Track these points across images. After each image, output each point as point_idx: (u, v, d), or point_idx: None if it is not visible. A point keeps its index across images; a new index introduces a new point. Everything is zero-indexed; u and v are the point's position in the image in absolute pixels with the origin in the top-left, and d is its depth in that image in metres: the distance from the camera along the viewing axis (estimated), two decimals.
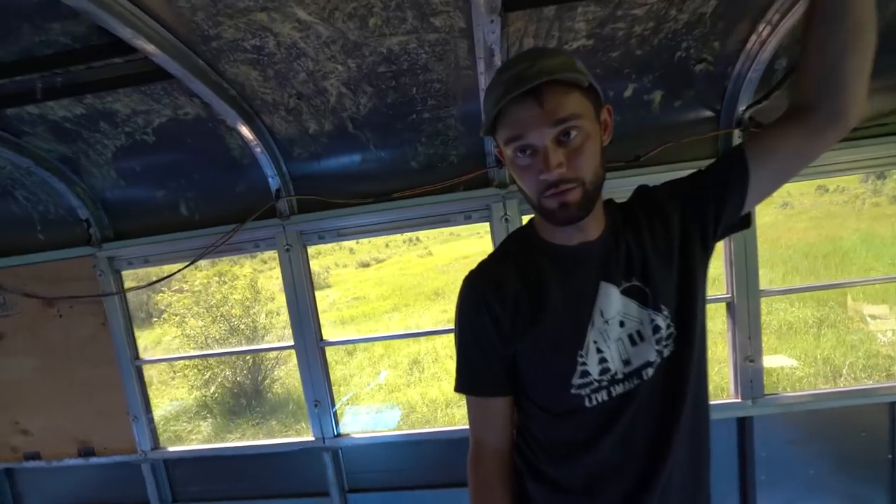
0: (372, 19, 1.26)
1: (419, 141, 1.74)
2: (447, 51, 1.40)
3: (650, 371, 0.89)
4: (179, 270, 1.88)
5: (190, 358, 6.73)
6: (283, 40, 1.32)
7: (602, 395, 0.88)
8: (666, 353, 0.89)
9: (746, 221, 0.96)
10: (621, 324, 0.89)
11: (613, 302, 0.89)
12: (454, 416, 6.73)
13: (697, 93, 1.62)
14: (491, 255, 0.99)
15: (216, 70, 1.42)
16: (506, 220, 1.75)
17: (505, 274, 0.91)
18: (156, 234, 1.91)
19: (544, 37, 1.38)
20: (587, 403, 0.88)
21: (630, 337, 0.89)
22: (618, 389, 0.88)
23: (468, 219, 1.81)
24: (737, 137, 1.65)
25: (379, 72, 1.46)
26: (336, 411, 1.97)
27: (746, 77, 1.51)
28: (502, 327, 0.89)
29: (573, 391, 0.87)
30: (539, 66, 0.74)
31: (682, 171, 1.61)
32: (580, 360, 0.87)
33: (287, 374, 7.98)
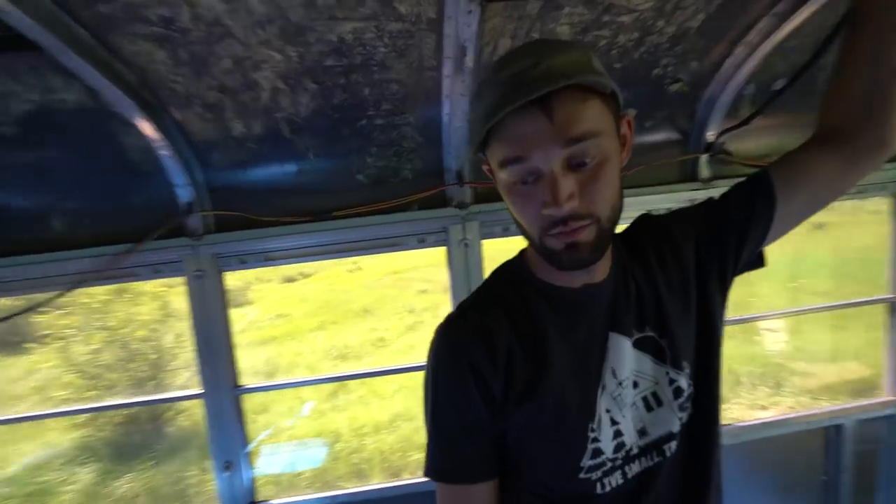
0: None
1: (369, 151, 1.48)
2: (410, 46, 1.18)
3: (673, 445, 0.72)
4: (45, 302, 1.43)
5: (52, 416, 5.84)
6: (203, 14, 1.01)
7: (616, 478, 0.70)
8: (685, 418, 0.73)
9: (762, 259, 0.84)
10: (634, 384, 0.72)
11: (626, 358, 0.72)
12: (384, 442, 6.35)
13: (668, 114, 1.55)
14: (474, 299, 0.78)
15: (106, 45, 1.06)
16: (465, 244, 1.55)
17: (494, 325, 0.71)
18: (16, 255, 1.44)
19: (523, 38, 1.21)
20: (599, 490, 0.70)
21: (645, 400, 0.73)
22: (634, 469, 0.71)
23: (422, 242, 1.58)
24: (704, 163, 1.61)
25: (326, 65, 1.19)
26: (254, 476, 1.61)
27: (717, 101, 1.47)
28: (493, 397, 0.68)
29: (582, 475, 0.68)
30: (547, 65, 0.56)
31: (652, 196, 1.55)
32: (591, 434, 0.69)
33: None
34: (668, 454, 0.72)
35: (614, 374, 0.71)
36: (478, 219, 1.55)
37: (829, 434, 1.78)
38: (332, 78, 1.24)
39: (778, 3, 1.18)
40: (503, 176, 0.64)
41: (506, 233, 1.60)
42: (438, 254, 1.59)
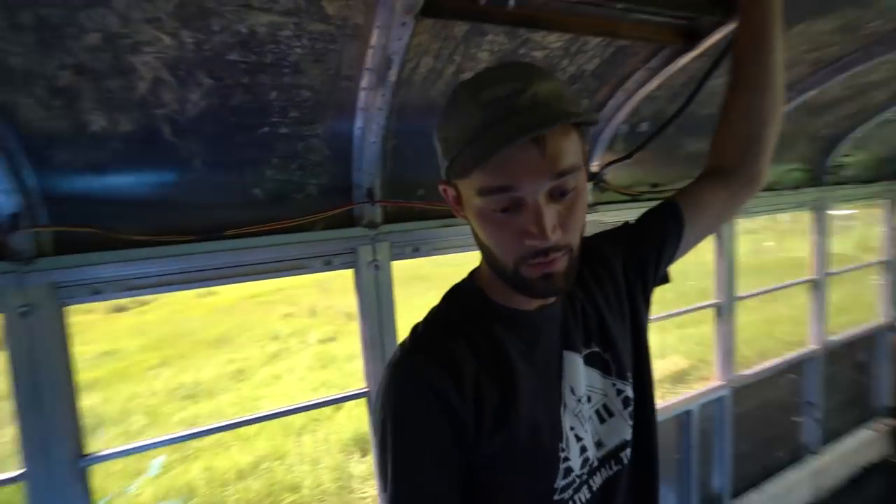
0: None
1: (269, 163, 1.31)
2: (330, 51, 1.08)
3: (628, 452, 0.77)
4: None
5: None
6: None
7: (584, 494, 0.72)
8: (634, 425, 0.79)
9: (668, 277, 0.96)
10: (588, 399, 0.75)
11: (580, 374, 0.75)
12: (250, 489, 5.61)
13: None
14: (431, 327, 0.73)
15: None
16: (375, 266, 1.47)
17: (458, 353, 0.67)
18: None
19: (445, 59, 1.21)
20: None
21: (598, 413, 0.76)
22: (597, 481, 0.73)
23: (328, 265, 1.45)
24: (589, 190, 1.81)
25: (228, 59, 1.02)
26: None
27: (600, 137, 1.67)
28: (464, 429, 0.65)
29: (556, 497, 0.68)
30: (533, 93, 0.56)
31: None
32: (562, 454, 0.69)
33: None
34: (625, 461, 0.76)
35: (573, 392, 0.73)
36: (388, 239, 1.49)
37: (682, 419, 2.13)
38: (235, 75, 1.07)
39: (651, 58, 1.40)
40: (480, 203, 0.61)
41: (416, 253, 1.57)
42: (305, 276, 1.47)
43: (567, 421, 0.71)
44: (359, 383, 1.56)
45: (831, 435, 2.93)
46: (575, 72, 1.41)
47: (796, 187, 2.51)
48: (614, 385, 0.77)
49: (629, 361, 0.80)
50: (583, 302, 0.79)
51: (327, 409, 6.25)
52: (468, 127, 0.58)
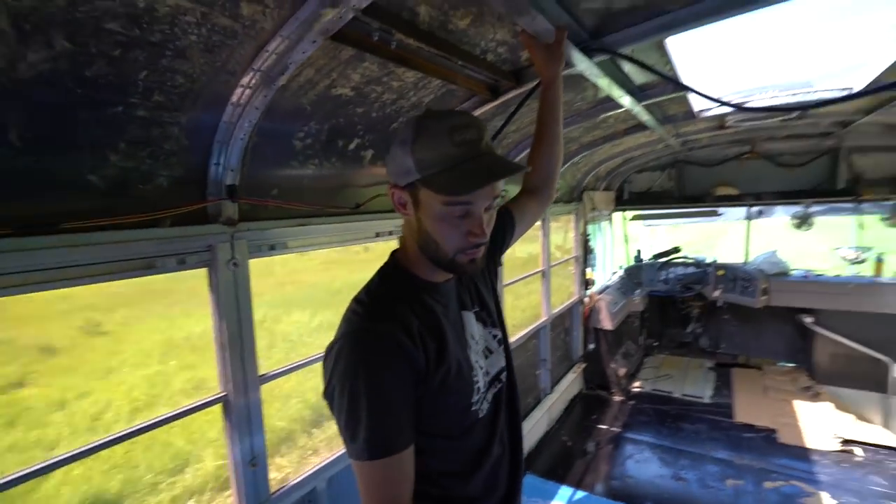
0: None
1: (115, 147, 1.16)
2: (225, 45, 1.10)
3: (503, 375, 1.13)
4: None
5: None
6: None
7: (485, 405, 1.04)
8: (503, 360, 1.16)
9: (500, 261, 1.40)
10: (478, 342, 1.09)
11: (473, 325, 1.07)
12: None
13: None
14: (379, 299, 0.93)
15: None
16: (234, 264, 1.45)
17: (405, 315, 0.90)
18: None
19: (324, 74, 1.36)
20: (480, 415, 1.01)
21: (484, 352, 1.09)
22: (490, 395, 1.06)
23: (182, 264, 1.35)
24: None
25: (104, 27, 0.92)
26: None
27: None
28: (418, 369, 0.88)
29: (473, 408, 0.99)
30: (486, 141, 0.86)
31: (387, 220, 1.98)
32: (474, 379, 0.99)
33: None
34: (503, 380, 1.11)
35: (472, 337, 1.04)
36: (246, 237, 1.48)
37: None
38: (103, 46, 0.95)
39: (466, 101, 1.88)
40: (444, 209, 0.84)
41: (272, 251, 1.60)
42: None
43: (472, 356, 1.01)
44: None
45: (555, 380, 4.19)
46: (416, 101, 1.75)
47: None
48: (490, 332, 1.12)
49: (495, 314, 1.17)
50: (466, 277, 1.12)
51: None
52: (448, 157, 0.82)
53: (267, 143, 1.48)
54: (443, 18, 1.26)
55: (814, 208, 4.59)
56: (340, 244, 1.87)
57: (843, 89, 2.36)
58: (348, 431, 0.81)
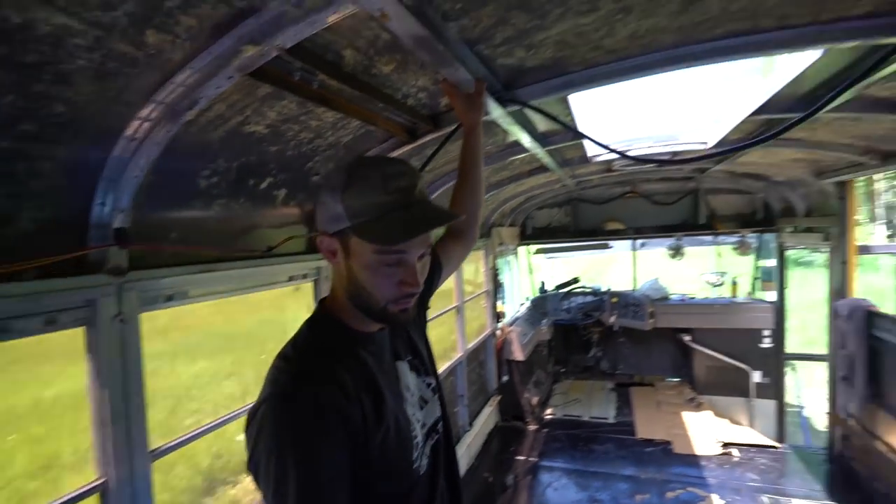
0: None
1: None
2: (122, 73, 0.97)
3: (440, 425, 1.08)
4: None
5: None
6: None
7: (424, 460, 0.99)
8: (439, 409, 1.13)
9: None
10: (413, 394, 1.04)
11: (408, 376, 1.03)
12: None
13: (306, 197, 1.94)
14: (307, 354, 0.87)
15: None
16: (121, 320, 1.24)
17: (339, 372, 0.83)
18: None
19: (237, 110, 1.27)
20: (421, 472, 0.96)
21: (420, 402, 1.04)
22: (427, 449, 1.00)
23: (51, 324, 1.12)
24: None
25: None
26: None
27: None
28: (355, 431, 0.81)
29: (414, 465, 0.93)
30: (420, 189, 0.86)
31: (301, 263, 1.87)
32: (413, 433, 0.95)
33: None
34: (440, 430, 1.06)
35: (408, 388, 1.00)
36: (137, 288, 1.29)
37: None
38: None
39: (384, 142, 1.89)
40: (375, 258, 0.82)
41: (170, 303, 1.42)
42: None
43: (409, 409, 0.96)
44: None
45: (473, 415, 4.18)
46: (333, 141, 1.71)
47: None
48: (424, 380, 1.08)
49: (428, 361, 1.14)
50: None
51: None
52: (380, 205, 0.80)
53: (165, 182, 1.33)
54: (367, 63, 1.26)
55: (683, 240, 5.35)
56: (251, 290, 1.71)
57: (700, 142, 2.84)
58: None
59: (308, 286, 2.08)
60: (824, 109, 1.36)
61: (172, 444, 1.37)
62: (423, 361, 1.08)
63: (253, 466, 0.73)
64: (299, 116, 1.45)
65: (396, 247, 0.81)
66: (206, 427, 1.50)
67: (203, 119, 1.24)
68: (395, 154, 1.94)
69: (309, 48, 1.12)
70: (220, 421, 1.55)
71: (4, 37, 0.80)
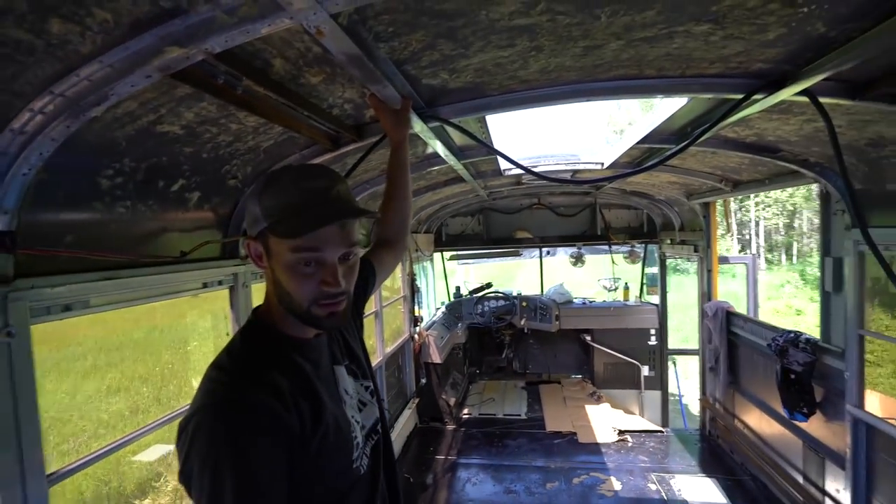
0: None
1: None
2: (15, 62, 0.89)
3: (379, 426, 1.11)
4: None
5: None
6: None
7: (364, 460, 1.01)
8: (377, 411, 1.15)
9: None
10: (352, 397, 1.06)
11: (346, 380, 1.05)
12: None
13: (222, 201, 1.85)
14: (242, 362, 0.86)
15: None
16: (8, 333, 1.11)
17: (274, 378, 0.84)
18: None
19: (150, 109, 1.21)
20: (361, 472, 0.99)
21: (358, 405, 1.07)
22: (367, 449, 1.03)
23: None
24: (241, 244, 2.01)
25: None
26: None
27: None
28: (293, 436, 0.82)
29: (354, 466, 0.96)
30: (337, 190, 0.88)
31: (216, 269, 1.79)
32: (353, 435, 0.97)
33: None
34: (379, 431, 1.09)
35: (346, 392, 1.03)
36: (27, 297, 1.16)
37: None
38: None
39: (306, 149, 1.87)
40: (292, 258, 0.82)
41: (67, 313, 1.29)
42: None
43: (349, 412, 0.98)
44: None
45: (393, 418, 4.20)
46: (254, 145, 1.67)
47: (366, 246, 3.66)
48: (362, 384, 1.10)
49: (365, 365, 1.17)
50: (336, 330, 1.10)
51: None
52: (291, 204, 0.81)
53: (59, 181, 1.21)
54: (296, 73, 1.27)
55: (583, 249, 5.89)
56: (162, 297, 1.60)
57: (598, 163, 3.19)
58: None
59: (219, 293, 1.98)
60: (693, 144, 1.65)
61: (73, 466, 1.24)
62: (360, 365, 1.10)
63: (184, 478, 0.72)
64: (219, 119, 1.40)
65: (310, 243, 0.81)
66: (112, 445, 1.38)
67: (109, 116, 1.16)
68: (316, 160, 1.93)
69: (237, 53, 1.11)
70: (127, 438, 1.42)
71: None
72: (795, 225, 24.08)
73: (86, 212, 1.34)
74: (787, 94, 1.44)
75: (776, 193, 22.55)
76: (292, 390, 0.83)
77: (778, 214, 23.74)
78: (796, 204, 22.91)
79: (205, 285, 1.80)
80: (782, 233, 24.49)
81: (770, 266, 23.59)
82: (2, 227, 1.09)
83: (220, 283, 1.85)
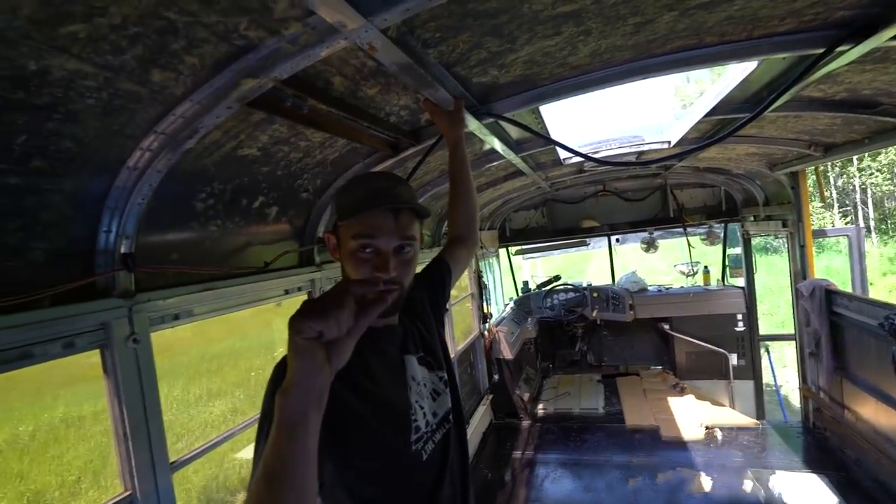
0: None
1: None
2: (126, 109, 1.05)
3: (451, 416, 1.16)
4: None
5: None
6: None
7: (430, 445, 1.07)
8: (450, 401, 1.21)
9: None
10: (424, 385, 1.13)
11: (417, 369, 1.12)
12: None
13: (296, 213, 2.01)
14: None
15: None
16: (135, 340, 1.31)
17: None
18: None
19: (231, 136, 1.35)
20: (424, 456, 1.03)
21: (431, 394, 1.13)
22: (437, 437, 1.09)
23: (70, 348, 1.19)
24: (317, 252, 2.16)
25: None
26: None
27: (326, 208, 2.09)
28: (338, 402, 0.88)
29: (413, 447, 1.01)
30: (398, 191, 0.97)
31: (295, 276, 1.95)
32: (413, 418, 1.03)
33: None
34: (451, 421, 1.15)
35: (413, 379, 1.09)
36: (146, 309, 1.35)
37: None
38: None
39: (367, 158, 1.98)
40: (352, 244, 0.93)
41: (177, 321, 1.48)
42: None
43: (412, 397, 1.05)
44: None
45: (468, 415, 4.27)
46: (321, 159, 1.80)
47: (432, 246, 3.75)
48: (437, 374, 1.17)
49: (440, 359, 1.23)
50: (414, 323, 1.17)
51: None
52: (357, 199, 0.92)
53: (164, 207, 1.40)
54: (354, 87, 1.36)
55: (655, 234, 5.57)
56: (250, 305, 1.78)
57: (664, 142, 3.02)
58: (254, 452, 0.82)
59: (298, 300, 2.15)
60: (768, 110, 1.52)
61: (189, 455, 1.43)
62: (436, 358, 1.17)
63: None
64: (289, 138, 1.53)
65: (366, 230, 0.91)
66: (223, 436, 1.57)
67: (199, 146, 1.32)
68: (378, 167, 2.04)
69: (301, 77, 1.22)
70: (236, 429, 1.61)
71: (21, 83, 0.87)
72: None
73: (185, 232, 1.53)
74: (879, 40, 1.29)
75: (886, 155, 19.74)
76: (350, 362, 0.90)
77: (889, 179, 20.73)
78: None
79: (286, 292, 1.97)
80: None
81: (883, 238, 20.67)
82: (125, 249, 1.28)
83: (299, 289, 2.01)
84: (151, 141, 1.16)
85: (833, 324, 3.49)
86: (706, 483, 3.39)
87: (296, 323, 0.64)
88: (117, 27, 0.83)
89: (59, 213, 1.14)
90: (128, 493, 1.24)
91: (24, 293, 1.08)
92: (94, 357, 1.27)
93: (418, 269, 1.21)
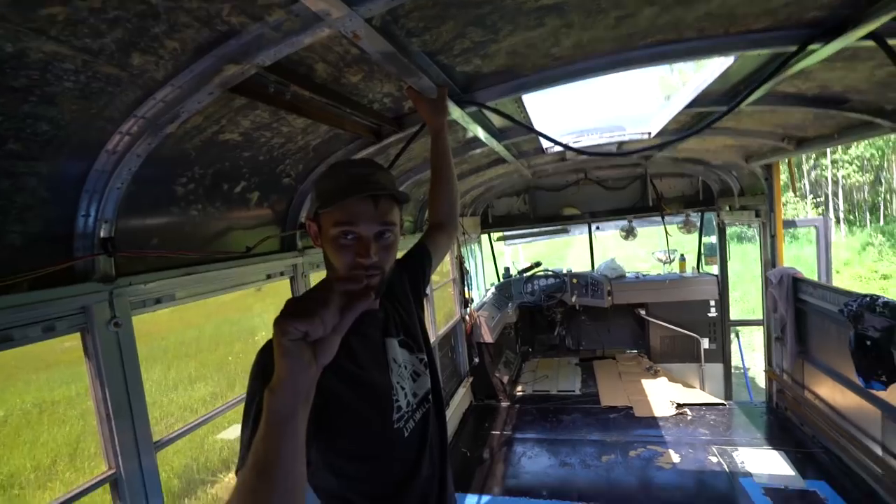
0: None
1: None
2: (105, 92, 1.04)
3: (430, 396, 1.22)
4: None
5: None
6: None
7: (411, 424, 1.12)
8: (429, 382, 1.26)
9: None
10: (404, 367, 1.17)
11: (398, 351, 1.16)
12: None
13: (278, 198, 2.01)
14: None
15: None
16: (116, 323, 1.31)
17: None
18: None
19: (213, 121, 1.34)
20: (405, 434, 1.08)
21: (412, 375, 1.17)
22: (417, 417, 1.14)
23: (50, 331, 1.18)
24: (299, 237, 2.17)
25: None
26: None
27: (308, 194, 2.08)
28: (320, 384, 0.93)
29: (395, 425, 1.06)
30: (378, 177, 0.99)
31: (277, 261, 1.95)
32: (394, 398, 1.08)
33: None
34: (430, 401, 1.20)
35: (395, 361, 1.13)
36: (126, 293, 1.35)
37: None
38: None
39: (350, 143, 1.97)
40: (334, 231, 0.94)
41: (158, 305, 1.48)
42: None
43: (394, 378, 1.09)
44: None
45: (448, 397, 4.36)
46: (303, 144, 1.79)
47: (413, 232, 3.76)
48: (417, 356, 1.21)
49: (420, 342, 1.27)
50: (395, 306, 1.21)
51: None
52: (337, 186, 0.94)
53: (144, 191, 1.38)
54: (337, 74, 1.36)
55: (634, 222, 5.69)
56: (233, 289, 1.78)
57: (644, 133, 3.07)
58: (240, 440, 0.85)
59: (280, 284, 2.16)
60: (744, 103, 1.57)
61: (174, 435, 1.45)
62: (416, 340, 1.21)
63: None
64: (271, 124, 1.52)
65: (346, 217, 0.92)
66: (205, 417, 1.59)
67: (180, 131, 1.31)
68: (360, 154, 2.04)
69: (283, 63, 1.21)
70: (217, 410, 1.63)
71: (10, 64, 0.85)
72: (883, 181, 21.67)
73: (166, 216, 1.52)
74: (848, 40, 1.34)
75: (857, 150, 20.38)
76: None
77: (858, 171, 21.43)
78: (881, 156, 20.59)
79: (268, 276, 1.97)
80: (866, 192, 22.12)
81: (851, 229, 21.47)
82: (104, 234, 1.27)
83: (281, 273, 2.02)
84: (131, 125, 1.15)
85: (798, 310, 3.66)
86: (675, 457, 3.57)
87: (281, 324, 0.65)
88: (97, 10, 0.81)
89: (35, 196, 1.13)
90: (112, 471, 1.25)
91: (2, 277, 1.07)
92: (67, 342, 1.27)
93: (399, 254, 1.24)
